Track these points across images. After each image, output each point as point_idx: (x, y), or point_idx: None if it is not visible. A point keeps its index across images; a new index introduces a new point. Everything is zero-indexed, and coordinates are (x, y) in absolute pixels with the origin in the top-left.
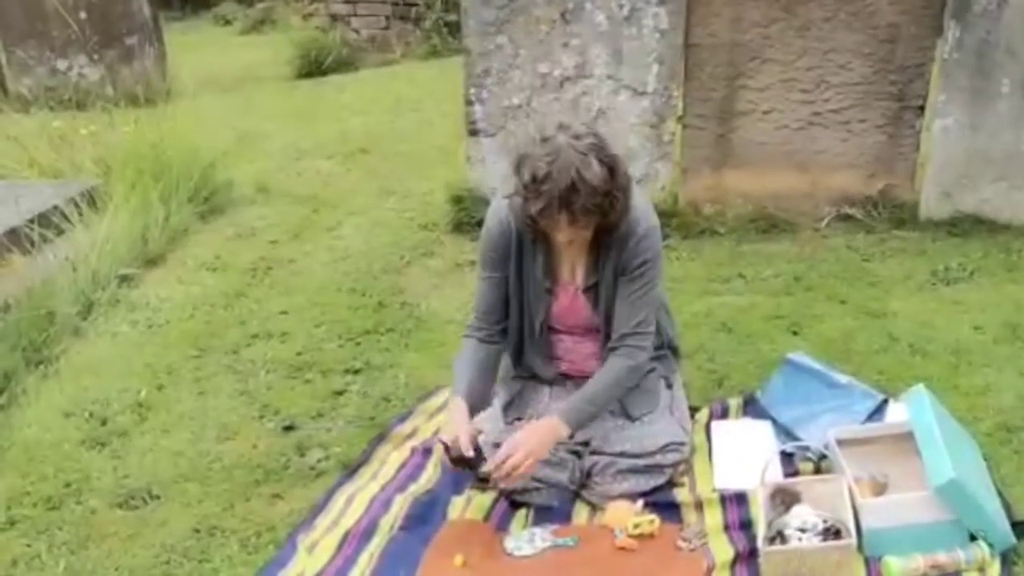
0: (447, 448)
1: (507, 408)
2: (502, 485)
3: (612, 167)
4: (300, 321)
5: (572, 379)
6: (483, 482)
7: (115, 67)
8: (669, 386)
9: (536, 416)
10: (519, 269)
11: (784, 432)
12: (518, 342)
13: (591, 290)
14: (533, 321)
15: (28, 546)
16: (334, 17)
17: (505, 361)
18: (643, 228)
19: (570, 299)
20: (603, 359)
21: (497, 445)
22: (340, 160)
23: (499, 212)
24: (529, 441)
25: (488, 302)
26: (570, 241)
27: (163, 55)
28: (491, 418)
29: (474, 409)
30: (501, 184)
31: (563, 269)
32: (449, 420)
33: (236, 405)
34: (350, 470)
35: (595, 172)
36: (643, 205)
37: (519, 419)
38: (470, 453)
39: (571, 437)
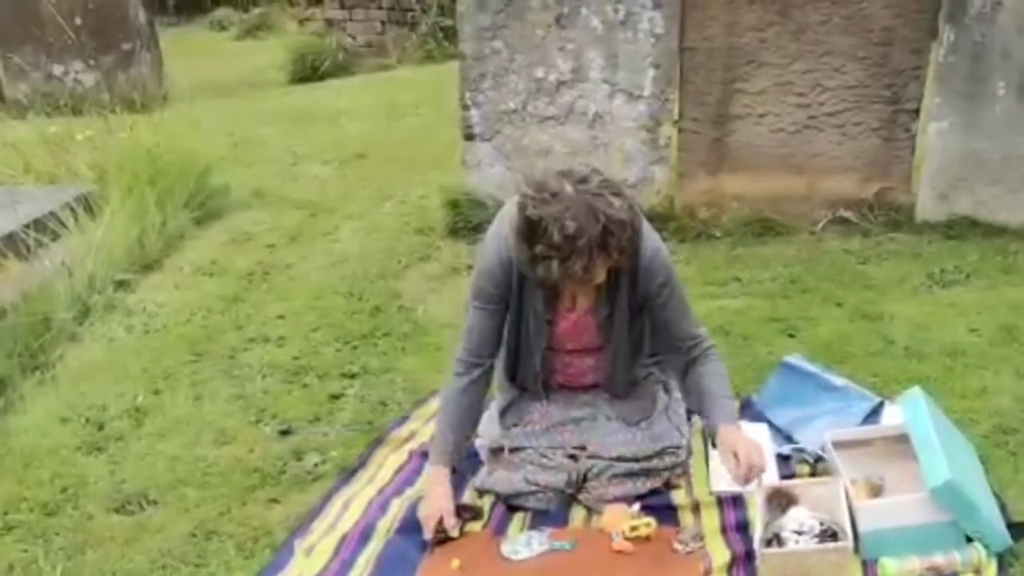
0: (438, 528)
1: (504, 413)
2: (750, 487)
3: (623, 196)
4: (297, 325)
5: (567, 387)
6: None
7: (111, 72)
8: (667, 391)
9: (534, 423)
10: (519, 303)
11: (780, 434)
12: (513, 363)
13: (606, 319)
14: (532, 351)
15: (25, 551)
16: (330, 22)
17: (501, 367)
18: (649, 251)
19: (572, 324)
20: (628, 376)
21: (497, 449)
22: (336, 165)
23: (498, 246)
24: (743, 439)
25: (482, 335)
26: (597, 283)
27: (159, 60)
28: (488, 423)
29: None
30: (497, 190)
31: (564, 299)
32: (429, 495)
33: (233, 410)
34: (347, 474)
35: (617, 208)
36: (644, 229)
37: (515, 425)
38: (455, 534)
39: None
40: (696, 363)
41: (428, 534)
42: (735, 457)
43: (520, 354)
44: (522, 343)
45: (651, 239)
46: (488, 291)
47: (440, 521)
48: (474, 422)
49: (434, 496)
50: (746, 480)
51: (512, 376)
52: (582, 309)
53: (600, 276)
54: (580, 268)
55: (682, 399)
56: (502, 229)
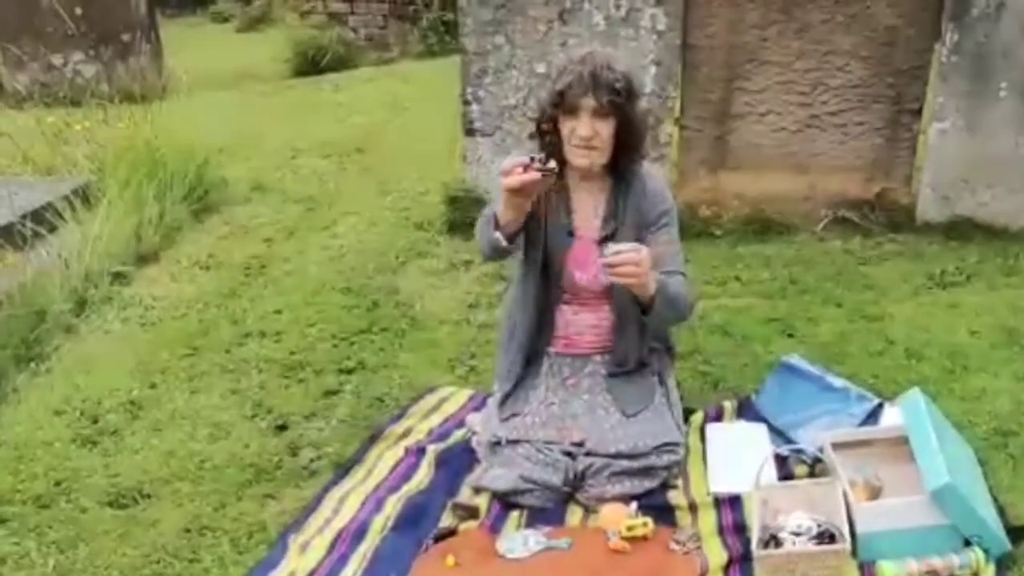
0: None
1: (503, 404)
2: (612, 277)
3: (631, 74)
4: (294, 320)
5: (567, 358)
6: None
7: (111, 64)
8: (663, 383)
9: (532, 413)
10: (545, 208)
11: (779, 435)
12: (521, 310)
13: (605, 241)
14: (550, 265)
15: (17, 544)
16: (331, 16)
17: (502, 359)
18: (657, 182)
19: (583, 248)
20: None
21: (495, 443)
22: (336, 159)
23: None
24: (642, 256)
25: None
26: (591, 139)
27: (159, 52)
28: (486, 417)
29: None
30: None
31: (579, 217)
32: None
33: (228, 404)
34: (343, 470)
35: (620, 64)
36: (654, 170)
37: (515, 415)
38: (541, 171)
39: (645, 310)
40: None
41: (514, 178)
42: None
43: (530, 299)
44: (546, 256)
45: (660, 177)
46: None
47: (524, 168)
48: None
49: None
50: (610, 265)
51: (516, 339)
52: (590, 233)
53: (585, 127)
54: (564, 85)
55: (678, 398)
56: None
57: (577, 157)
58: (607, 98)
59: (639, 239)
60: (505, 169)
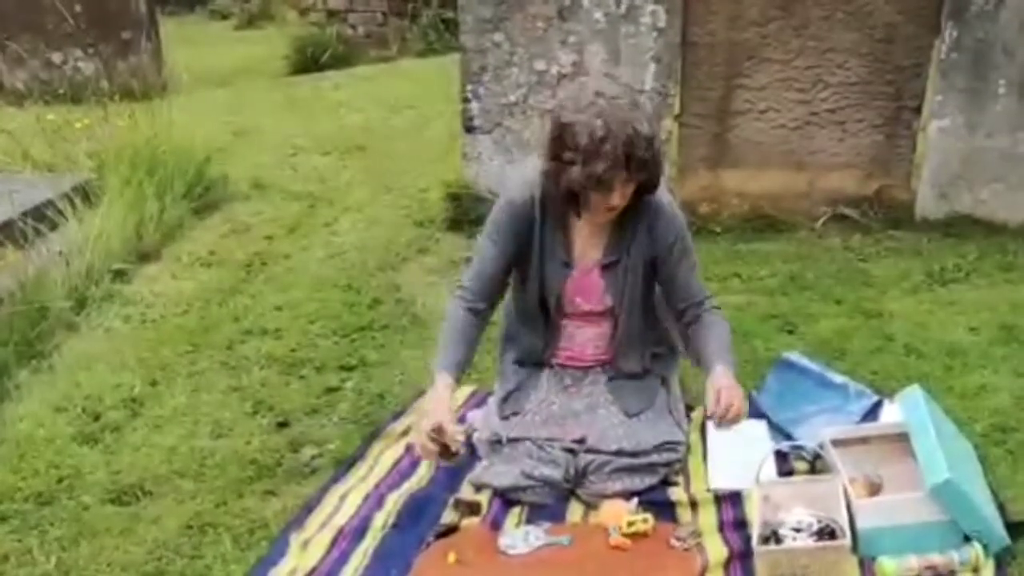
0: (436, 440)
1: (503, 403)
2: (723, 425)
3: (651, 119)
4: (295, 317)
5: (567, 369)
6: (451, 456)
7: (110, 61)
8: (666, 385)
9: (533, 412)
10: (541, 243)
11: (779, 432)
12: (521, 323)
13: (610, 268)
14: (548, 297)
15: (19, 541)
16: (331, 13)
17: (502, 362)
18: (667, 204)
19: (584, 276)
20: (642, 340)
21: (495, 441)
22: (336, 156)
23: (526, 184)
24: (733, 384)
25: (493, 271)
26: (612, 208)
27: (159, 49)
28: (486, 415)
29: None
30: (497, 183)
31: (579, 247)
32: (431, 400)
33: (230, 401)
34: (344, 467)
35: (644, 124)
36: (665, 193)
37: (515, 414)
38: (457, 446)
39: None
40: (701, 320)
41: (424, 447)
42: (717, 395)
43: (530, 309)
44: (541, 288)
45: (671, 201)
46: (507, 224)
47: (438, 431)
48: (474, 349)
49: (435, 402)
50: (720, 418)
51: (517, 348)
52: (592, 261)
53: (617, 198)
54: (602, 172)
55: (680, 396)
56: (526, 172)
57: (599, 216)
58: (642, 174)
59: (648, 267)
60: (426, 428)
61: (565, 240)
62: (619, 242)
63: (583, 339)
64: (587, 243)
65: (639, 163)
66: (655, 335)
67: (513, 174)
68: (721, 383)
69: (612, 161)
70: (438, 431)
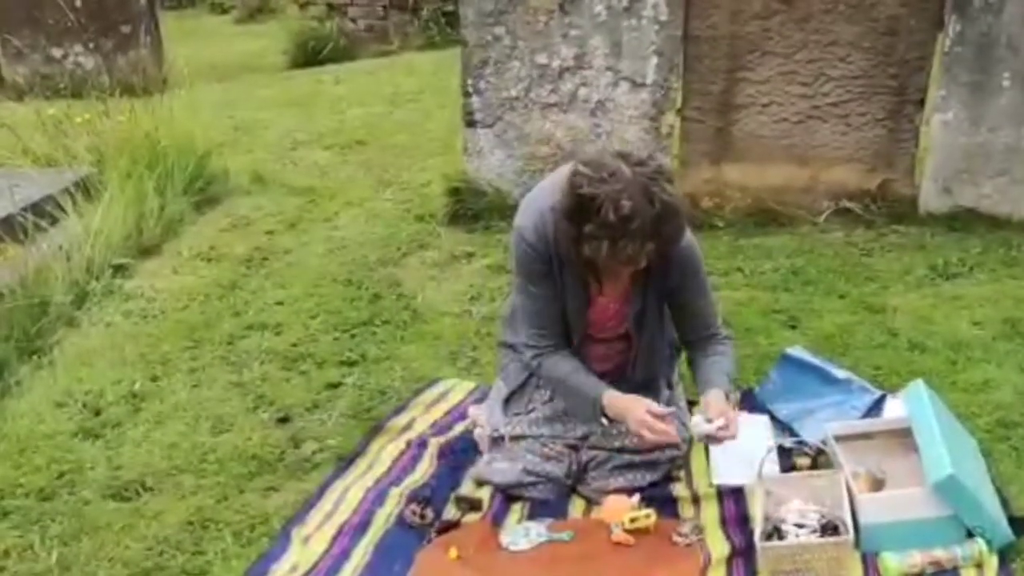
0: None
1: (508, 401)
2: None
3: (671, 176)
4: (295, 312)
5: None
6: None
7: (111, 56)
8: (669, 385)
9: (536, 410)
10: (561, 279)
11: (782, 427)
12: None
13: (638, 314)
14: (570, 333)
15: (20, 537)
16: (331, 7)
17: (507, 355)
18: (685, 242)
19: (603, 309)
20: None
21: (498, 437)
22: (337, 151)
23: (541, 226)
24: (727, 407)
25: (549, 316)
26: (633, 270)
27: (159, 44)
28: (490, 411)
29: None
30: (498, 177)
31: (595, 284)
32: (623, 400)
33: (230, 397)
34: (345, 463)
35: (671, 195)
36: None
37: (518, 413)
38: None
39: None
40: (710, 347)
41: (653, 427)
42: (715, 412)
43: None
44: (566, 316)
45: (687, 234)
46: (538, 269)
47: (654, 414)
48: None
49: (626, 400)
50: (717, 430)
51: (524, 364)
52: (609, 297)
53: (643, 261)
54: (631, 251)
55: (682, 393)
56: (538, 205)
57: (619, 276)
58: (669, 245)
59: (665, 296)
60: (646, 421)
61: (582, 277)
62: (639, 285)
63: (596, 354)
64: (606, 283)
65: (668, 236)
66: (665, 344)
67: (526, 208)
68: (712, 403)
69: (640, 239)
70: (654, 414)
